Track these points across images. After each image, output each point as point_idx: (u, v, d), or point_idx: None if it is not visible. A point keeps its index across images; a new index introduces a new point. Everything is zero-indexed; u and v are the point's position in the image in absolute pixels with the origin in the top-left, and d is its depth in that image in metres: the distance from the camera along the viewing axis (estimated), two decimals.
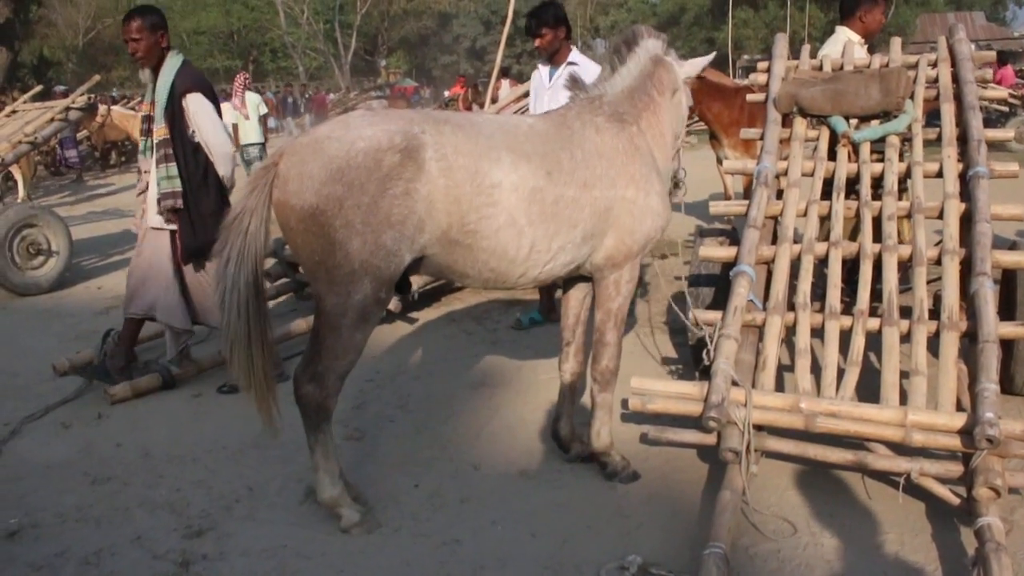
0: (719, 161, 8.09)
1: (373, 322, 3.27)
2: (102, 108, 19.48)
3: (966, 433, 3.06)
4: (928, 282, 3.85)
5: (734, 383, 3.41)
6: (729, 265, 4.16)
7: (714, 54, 4.31)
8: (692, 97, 7.34)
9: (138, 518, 3.76)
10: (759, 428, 3.42)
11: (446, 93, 24.74)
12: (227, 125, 5.35)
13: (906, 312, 3.65)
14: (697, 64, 4.04)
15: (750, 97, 5.32)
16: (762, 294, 3.97)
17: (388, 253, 3.06)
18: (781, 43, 5.41)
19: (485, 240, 3.19)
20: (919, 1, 37.96)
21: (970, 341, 3.49)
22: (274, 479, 4.05)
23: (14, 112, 9.17)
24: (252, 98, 13.06)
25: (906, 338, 3.58)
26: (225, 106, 8.40)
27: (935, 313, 3.64)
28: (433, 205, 3.08)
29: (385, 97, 32.58)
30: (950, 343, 3.46)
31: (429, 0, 49.11)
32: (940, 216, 4.05)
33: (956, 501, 3.23)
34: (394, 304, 6.18)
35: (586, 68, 5.36)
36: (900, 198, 4.26)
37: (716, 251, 4.21)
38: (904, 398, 3.31)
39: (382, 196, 2.99)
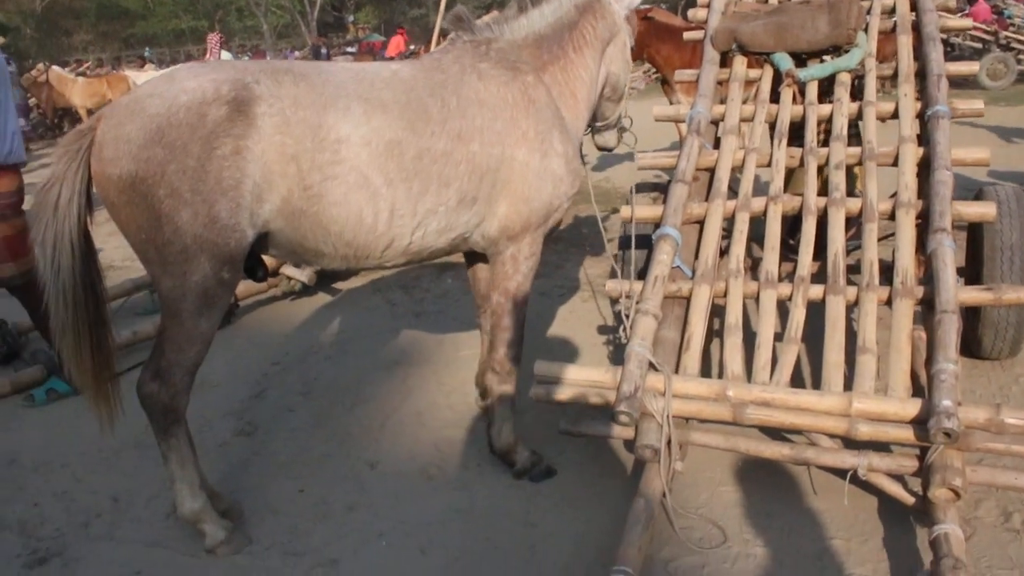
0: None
1: (220, 307, 2.79)
2: (39, 66, 18.73)
3: (920, 423, 2.57)
4: (880, 240, 3.34)
5: (652, 367, 2.91)
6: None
7: None
8: (641, 40, 6.85)
9: None
10: (685, 418, 2.93)
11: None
12: None
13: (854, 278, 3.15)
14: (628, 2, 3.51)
15: (687, 35, 4.76)
16: (693, 259, 3.45)
17: (224, 227, 2.61)
18: None
19: (334, 207, 2.73)
20: None
21: (927, 309, 3.00)
22: (146, 486, 3.57)
23: None
24: (226, 56, 12.67)
25: (853, 308, 3.09)
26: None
27: (889, 279, 3.13)
28: (269, 167, 2.63)
29: (353, 54, 31.60)
30: (904, 313, 2.96)
31: None
32: (895, 163, 3.54)
33: (911, 500, 2.75)
34: (308, 276, 5.64)
35: None
36: (850, 143, 3.73)
37: (638, 211, 3.67)
38: (850, 382, 2.81)
39: (209, 157, 2.54)
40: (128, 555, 3.10)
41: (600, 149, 3.93)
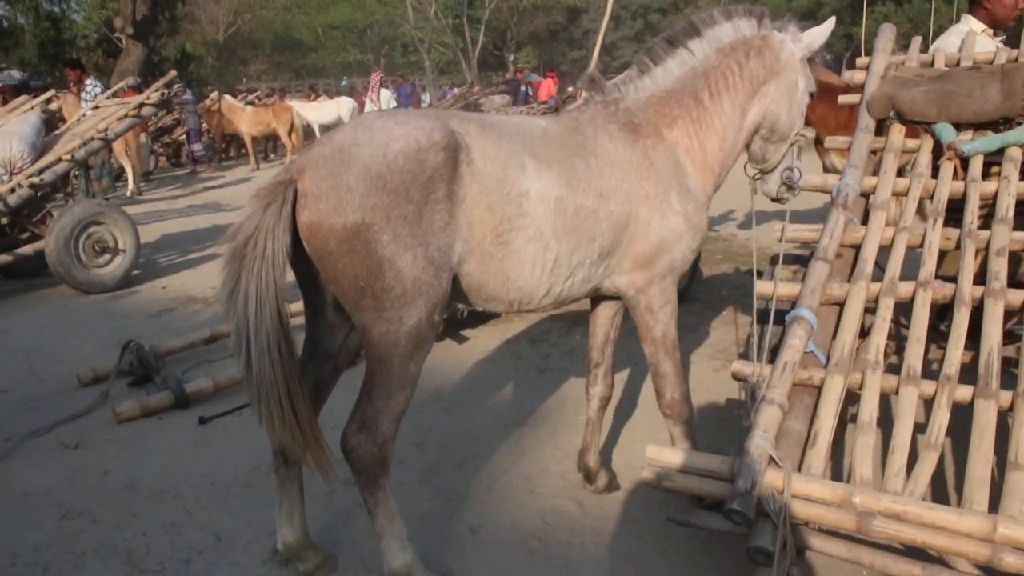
0: (825, 170, 7.21)
1: (426, 350, 2.82)
2: (213, 95, 19.85)
3: None
4: None
5: (772, 462, 2.67)
6: None
7: (833, 19, 3.54)
8: None
9: (89, 567, 3.40)
10: (804, 522, 2.68)
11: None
12: None
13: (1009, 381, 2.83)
14: (817, 35, 3.40)
15: (842, 99, 4.49)
16: (829, 343, 3.20)
17: (437, 267, 2.68)
18: (886, 35, 4.57)
19: (516, 254, 2.87)
20: None
21: None
22: (249, 528, 3.59)
23: (96, 108, 9.05)
24: (385, 94, 13.55)
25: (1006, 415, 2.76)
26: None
27: None
28: (470, 211, 2.75)
29: (510, 92, 32.12)
30: None
31: None
32: None
33: None
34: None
35: None
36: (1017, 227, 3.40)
37: (774, 288, 3.44)
38: (996, 502, 2.50)
39: (426, 202, 2.63)
40: None
41: (770, 198, 3.70)
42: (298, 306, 4.22)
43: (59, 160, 7.88)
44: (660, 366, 3.36)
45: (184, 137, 19.53)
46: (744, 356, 3.38)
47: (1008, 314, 3.14)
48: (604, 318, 3.65)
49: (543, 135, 3.04)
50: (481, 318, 6.14)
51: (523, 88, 26.83)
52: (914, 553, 2.65)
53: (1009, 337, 3.44)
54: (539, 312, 3.16)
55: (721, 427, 4.29)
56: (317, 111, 21.16)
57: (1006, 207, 3.45)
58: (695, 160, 3.26)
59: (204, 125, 19.80)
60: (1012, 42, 4.69)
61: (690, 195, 3.22)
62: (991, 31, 4.66)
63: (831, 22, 3.48)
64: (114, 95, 9.49)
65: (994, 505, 2.50)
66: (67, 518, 3.74)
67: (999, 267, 3.18)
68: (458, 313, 5.78)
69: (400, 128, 2.68)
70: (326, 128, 21.51)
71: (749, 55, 3.29)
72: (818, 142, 7.22)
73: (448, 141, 2.68)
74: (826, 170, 7.13)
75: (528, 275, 2.93)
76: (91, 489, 3.99)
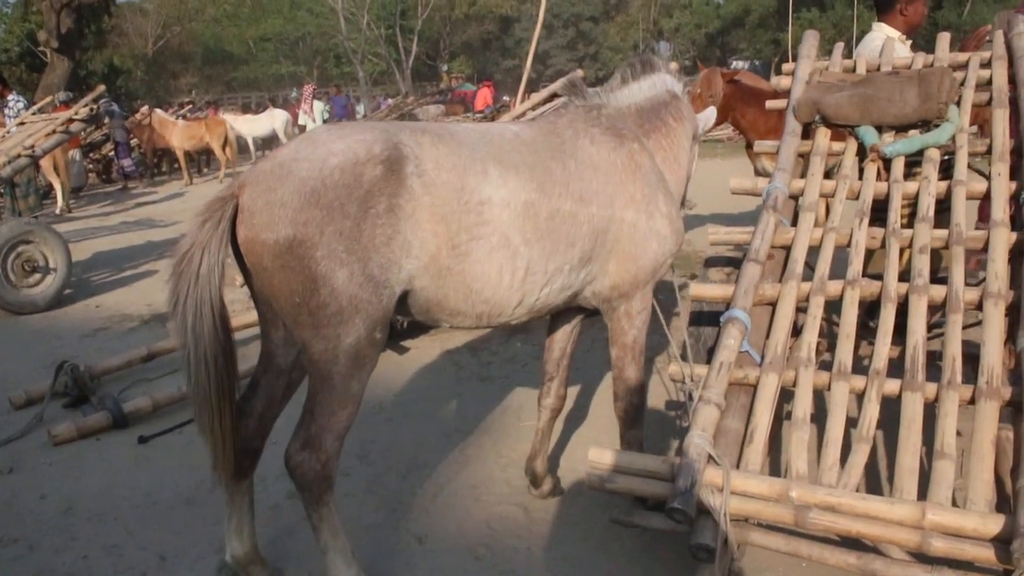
0: (756, 173, 7.36)
1: (369, 368, 2.77)
2: (143, 109, 19.51)
3: (1003, 542, 2.34)
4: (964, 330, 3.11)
5: (711, 460, 2.74)
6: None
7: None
8: (726, 103, 6.76)
9: None
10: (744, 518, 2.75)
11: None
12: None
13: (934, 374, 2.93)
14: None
15: (769, 104, 4.61)
16: (763, 343, 3.28)
17: (377, 284, 2.61)
18: (809, 41, 4.70)
19: (478, 265, 2.79)
20: None
21: (1015, 412, 2.77)
22: (194, 546, 3.54)
23: (22, 124, 8.85)
24: (318, 105, 14.05)
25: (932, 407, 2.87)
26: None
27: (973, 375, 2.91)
28: (419, 224, 2.66)
29: (445, 102, 32.12)
30: (988, 416, 2.73)
31: (491, 4, 48.72)
32: (984, 249, 3.32)
33: None
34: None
35: None
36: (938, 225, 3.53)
37: (708, 290, 3.52)
38: (925, 490, 2.60)
39: (364, 216, 2.56)
40: None
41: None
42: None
43: None
44: (625, 371, 3.40)
45: (113, 152, 19.15)
46: (682, 358, 3.44)
47: (932, 309, 3.26)
48: (562, 332, 3.66)
49: (513, 140, 3.02)
50: (421, 328, 6.14)
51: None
52: (849, 543, 2.74)
53: (933, 331, 3.56)
54: (513, 324, 3.14)
55: (659, 429, 4.36)
56: (251, 124, 20.93)
57: (927, 206, 3.57)
58: (671, 171, 3.40)
59: (135, 140, 19.44)
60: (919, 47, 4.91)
61: (673, 200, 3.31)
62: (904, 37, 4.83)
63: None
64: (40, 111, 9.27)
65: (923, 493, 2.60)
66: (2, 545, 3.63)
67: (922, 264, 3.30)
68: (397, 324, 5.77)
69: (341, 143, 2.65)
70: (260, 141, 21.31)
71: (685, 108, 3.61)
72: (748, 146, 7.37)
73: (389, 154, 2.63)
74: (757, 174, 7.28)
75: (495, 286, 2.86)
76: (27, 514, 3.89)
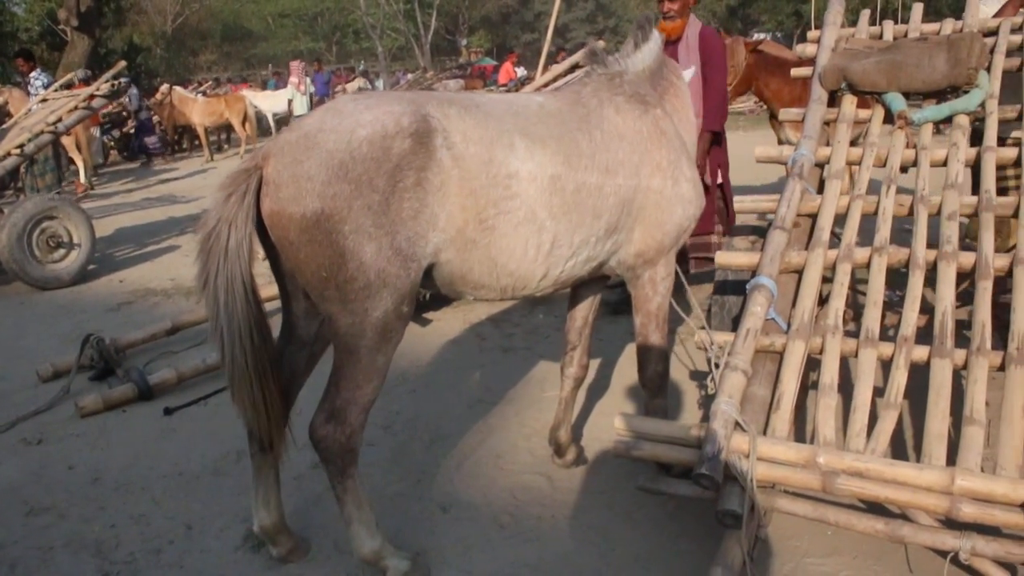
0: (780, 142, 7.30)
1: (396, 341, 2.76)
2: (163, 87, 19.56)
3: None
4: (995, 300, 3.07)
5: (738, 427, 2.73)
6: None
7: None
8: (749, 73, 6.69)
9: (57, 561, 3.34)
10: (771, 484, 2.74)
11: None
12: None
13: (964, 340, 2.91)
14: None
15: (795, 72, 4.56)
16: (790, 310, 3.26)
17: (405, 258, 2.57)
18: (835, 8, 4.63)
19: (504, 239, 2.76)
20: None
21: None
22: (220, 516, 3.57)
23: (44, 101, 8.89)
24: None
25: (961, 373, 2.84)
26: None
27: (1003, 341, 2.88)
28: (447, 198, 2.62)
29: (464, 77, 31.93)
30: (1018, 381, 2.70)
31: None
32: (1015, 215, 3.28)
33: None
34: None
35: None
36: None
37: (734, 258, 3.50)
38: (954, 456, 2.58)
39: (392, 191, 2.52)
40: None
41: None
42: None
43: (7, 155, 7.73)
44: (649, 338, 3.38)
45: (133, 130, 19.24)
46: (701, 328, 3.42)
47: (960, 276, 3.23)
48: (584, 301, 3.63)
49: (539, 111, 2.97)
50: (444, 300, 6.14)
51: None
52: (877, 509, 2.73)
53: (962, 299, 3.53)
54: (537, 296, 3.14)
55: (686, 399, 4.35)
56: (270, 100, 20.93)
57: (956, 173, 3.53)
58: (687, 130, 3.38)
59: (156, 118, 19.51)
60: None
61: (692, 163, 3.30)
62: None
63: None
64: (66, 87, 9.30)
65: (952, 459, 2.58)
66: (33, 514, 3.68)
67: (950, 231, 3.27)
68: (420, 296, 5.76)
69: (369, 113, 2.59)
70: (279, 117, 21.31)
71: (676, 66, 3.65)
72: (772, 117, 7.30)
73: (418, 127, 2.57)
74: (781, 143, 7.22)
75: (520, 259, 2.83)
76: (57, 484, 3.94)
